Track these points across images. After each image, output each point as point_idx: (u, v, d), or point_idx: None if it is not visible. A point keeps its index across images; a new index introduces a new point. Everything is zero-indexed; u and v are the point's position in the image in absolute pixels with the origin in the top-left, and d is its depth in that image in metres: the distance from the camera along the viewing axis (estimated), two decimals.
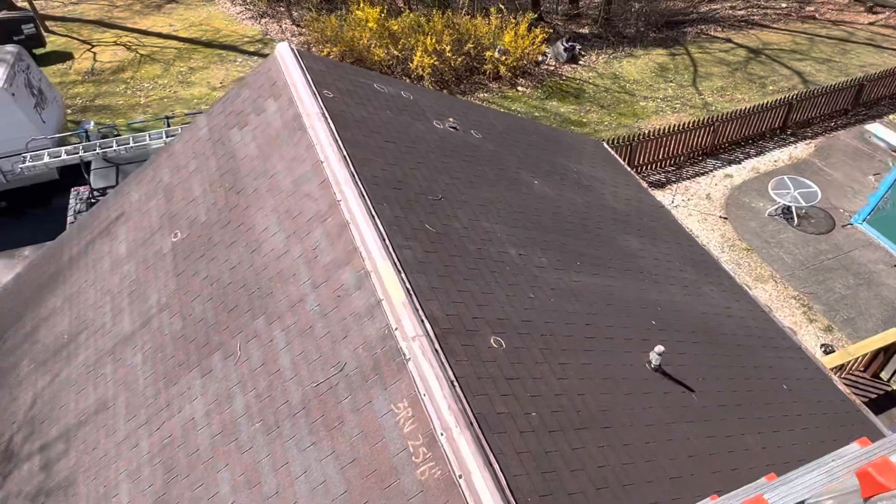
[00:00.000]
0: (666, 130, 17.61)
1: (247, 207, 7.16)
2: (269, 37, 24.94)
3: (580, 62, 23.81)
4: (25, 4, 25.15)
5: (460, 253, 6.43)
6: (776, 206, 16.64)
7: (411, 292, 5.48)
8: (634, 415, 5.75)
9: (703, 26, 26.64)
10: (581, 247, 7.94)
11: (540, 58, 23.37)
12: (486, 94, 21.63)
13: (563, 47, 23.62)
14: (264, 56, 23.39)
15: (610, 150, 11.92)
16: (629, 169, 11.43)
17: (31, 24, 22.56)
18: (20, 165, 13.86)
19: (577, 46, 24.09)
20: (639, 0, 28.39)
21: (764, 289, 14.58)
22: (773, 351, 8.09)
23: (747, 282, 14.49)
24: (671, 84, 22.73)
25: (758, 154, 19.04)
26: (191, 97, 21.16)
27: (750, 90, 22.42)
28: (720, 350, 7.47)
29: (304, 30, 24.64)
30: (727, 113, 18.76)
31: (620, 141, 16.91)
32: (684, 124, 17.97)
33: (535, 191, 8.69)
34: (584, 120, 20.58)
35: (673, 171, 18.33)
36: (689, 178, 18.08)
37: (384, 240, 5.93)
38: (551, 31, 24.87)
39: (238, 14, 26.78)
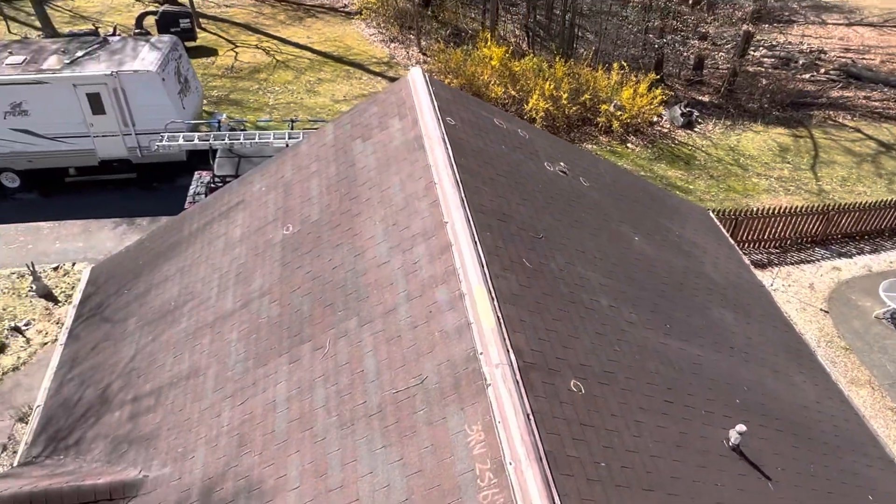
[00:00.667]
0: (776, 211, 17.02)
1: (357, 214, 7.56)
2: (395, 60, 26.11)
3: (696, 129, 23.46)
4: (186, 1, 27.59)
5: (553, 293, 6.52)
6: (885, 310, 15.65)
7: (501, 321, 5.61)
8: (705, 489, 5.59)
9: (831, 112, 25.65)
10: (673, 310, 7.83)
11: (655, 118, 23.22)
12: (594, 146, 21.67)
13: (680, 112, 23.39)
14: (388, 77, 24.50)
15: (716, 220, 11.69)
16: (733, 242, 11.16)
17: (188, 20, 24.71)
18: (157, 143, 15.13)
19: (695, 113, 23.78)
20: (766, 76, 27.74)
21: (859, 393, 13.68)
22: (862, 458, 7.62)
23: (841, 382, 13.65)
24: (788, 165, 21.97)
25: (873, 252, 18.02)
26: (314, 105, 22.41)
27: (874, 184, 21.32)
28: (805, 444, 7.12)
29: (429, 59, 25.64)
30: (845, 204, 17.91)
31: (726, 213, 16.49)
32: (796, 208, 17.30)
33: (634, 246, 8.66)
34: (691, 187, 20.20)
35: (777, 253, 17.62)
36: (793, 264, 17.33)
37: (483, 266, 6.12)
38: (671, 94, 24.69)
39: (370, 36, 28.23)
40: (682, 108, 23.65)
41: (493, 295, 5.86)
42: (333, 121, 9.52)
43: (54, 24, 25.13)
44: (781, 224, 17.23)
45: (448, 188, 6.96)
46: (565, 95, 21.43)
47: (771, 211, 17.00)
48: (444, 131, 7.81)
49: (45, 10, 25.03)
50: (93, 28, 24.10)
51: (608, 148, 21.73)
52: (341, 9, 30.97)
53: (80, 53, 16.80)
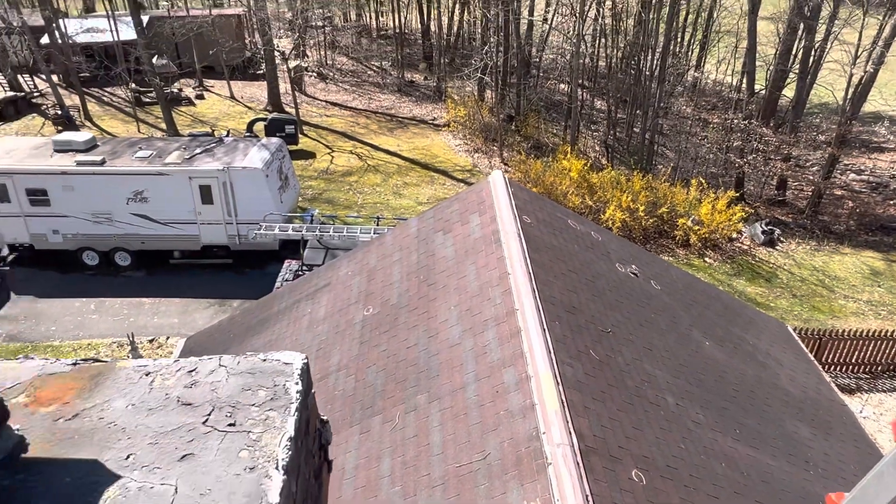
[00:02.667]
0: (866, 334, 16.29)
1: (434, 299, 8.05)
2: (477, 168, 27.53)
3: (778, 247, 23.11)
4: (292, 110, 30.51)
5: (618, 385, 6.66)
6: None
7: (565, 404, 5.81)
8: None
9: None
10: (743, 417, 7.70)
11: (734, 235, 23.12)
12: (670, 258, 21.69)
13: (761, 229, 23.21)
14: (469, 184, 25.79)
15: (794, 335, 11.44)
16: (812, 357, 10.85)
17: (293, 126, 27.25)
18: (255, 232, 16.47)
19: (777, 231, 23.52)
20: (853, 199, 27.25)
21: None
22: None
23: None
24: (880, 289, 21.11)
25: None
26: (399, 206, 23.76)
27: None
28: None
29: (510, 168, 26.90)
30: None
31: (809, 332, 15.94)
32: (890, 332, 16.51)
33: (704, 351, 8.67)
34: (772, 304, 19.69)
35: (867, 378, 16.68)
36: (886, 391, 16.31)
37: (550, 353, 6.39)
38: (751, 211, 24.63)
39: (456, 146, 30.02)
40: (763, 225, 23.48)
41: (559, 380, 6.09)
42: (417, 216, 10.28)
43: (177, 126, 28.30)
44: (871, 348, 16.42)
45: (520, 279, 7.39)
46: (642, 208, 21.82)
47: (861, 334, 16.30)
48: (520, 228, 8.35)
49: (171, 114, 28.31)
50: (209, 131, 26.96)
51: (685, 261, 21.68)
52: (431, 121, 33.26)
53: (197, 151, 18.86)
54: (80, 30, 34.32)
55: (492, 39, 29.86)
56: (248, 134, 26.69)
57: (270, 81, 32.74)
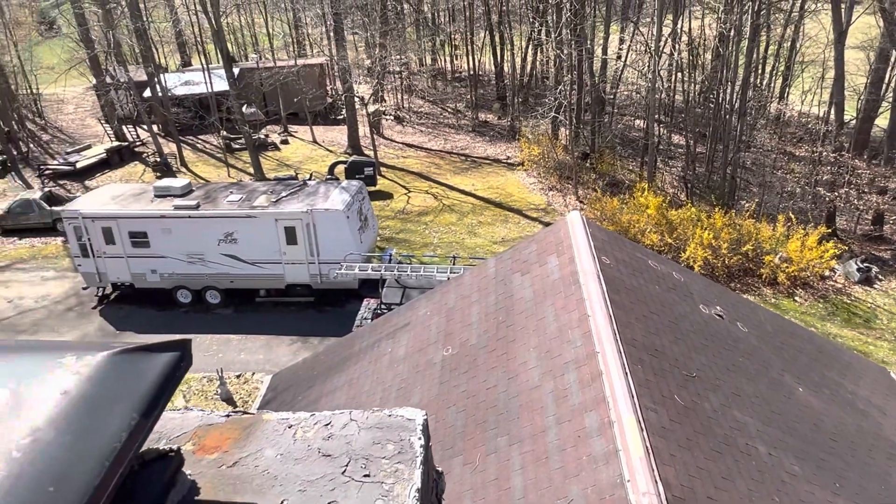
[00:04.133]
0: None
1: (513, 340, 8.10)
2: (552, 207, 27.49)
3: (876, 286, 21.75)
4: (371, 153, 31.59)
5: (705, 432, 6.46)
6: None
7: (650, 451, 5.69)
8: None
9: None
10: (844, 469, 7.26)
11: (827, 273, 21.95)
12: (756, 297, 20.80)
13: (856, 266, 21.94)
14: (544, 222, 25.77)
15: None
16: None
17: (371, 168, 28.20)
18: (336, 272, 17.04)
19: (874, 269, 22.16)
20: None
21: None
22: None
23: None
24: None
25: None
26: (474, 245, 24.00)
27: None
28: None
29: (585, 206, 26.72)
30: None
31: None
32: None
33: (797, 397, 8.27)
34: (871, 348, 18.47)
35: None
36: None
37: (633, 397, 6.29)
38: (845, 248, 23.36)
39: (530, 184, 30.14)
40: (859, 262, 22.19)
41: (643, 426, 5.98)
42: (495, 256, 10.41)
43: (263, 170, 29.83)
44: None
45: (601, 321, 7.34)
46: (725, 245, 21.13)
47: None
48: (599, 269, 8.32)
49: (258, 159, 29.90)
50: (293, 174, 28.27)
51: (773, 300, 20.73)
52: (505, 160, 33.60)
53: (284, 194, 19.81)
54: (178, 83, 37.02)
55: (565, 78, 30.08)
56: (329, 176, 27.80)
57: (350, 125, 34.09)
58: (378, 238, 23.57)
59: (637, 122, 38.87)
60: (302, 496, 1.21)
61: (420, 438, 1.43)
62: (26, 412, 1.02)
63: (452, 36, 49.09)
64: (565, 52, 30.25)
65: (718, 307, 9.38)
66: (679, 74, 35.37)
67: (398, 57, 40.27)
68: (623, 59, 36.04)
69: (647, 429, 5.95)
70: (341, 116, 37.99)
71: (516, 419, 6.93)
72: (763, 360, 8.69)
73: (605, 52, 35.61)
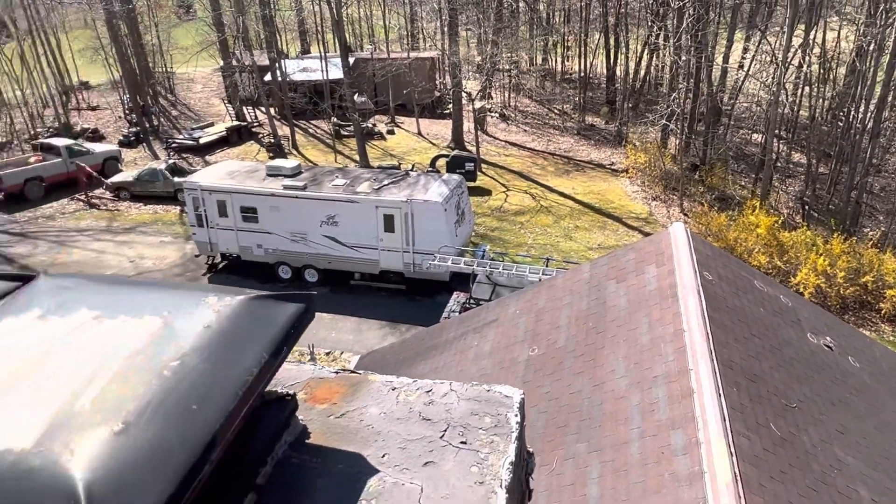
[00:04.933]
0: None
1: (602, 347, 7.95)
2: (653, 217, 26.62)
3: None
4: (473, 148, 31.80)
5: (801, 467, 6.09)
6: None
7: (738, 478, 5.44)
8: None
9: None
10: None
11: None
12: (873, 333, 19.25)
13: None
14: (643, 232, 25.00)
15: None
16: None
17: (472, 164, 28.39)
18: (429, 263, 17.32)
19: None
20: None
21: None
22: None
23: None
24: None
25: None
26: (568, 249, 23.65)
27: None
28: None
29: (689, 219, 25.68)
30: None
31: None
32: None
33: None
34: None
35: None
36: None
37: (725, 420, 6.02)
38: None
39: (633, 192, 29.32)
40: None
41: (733, 450, 5.72)
42: (590, 261, 10.24)
43: (368, 157, 30.73)
44: None
45: (697, 337, 7.07)
46: (842, 274, 19.69)
47: None
48: (700, 284, 8.00)
49: (364, 147, 30.83)
50: (396, 164, 28.94)
51: (891, 338, 19.13)
52: (608, 165, 32.86)
53: (385, 182, 20.33)
54: (297, 69, 38.77)
55: (681, 85, 28.98)
56: (430, 169, 28.25)
57: (456, 120, 34.45)
58: (473, 234, 23.72)
59: (754, 136, 36.86)
60: (402, 453, 1.28)
61: (517, 415, 1.46)
62: (175, 339, 1.14)
63: (566, 37, 48.45)
64: (683, 58, 29.12)
65: (828, 337, 8.78)
66: (807, 88, 33.21)
67: (509, 55, 40.24)
68: (745, 68, 34.26)
69: (738, 454, 5.69)
70: (447, 111, 38.45)
71: (598, 427, 6.81)
72: (875, 398, 8.07)
73: (725, 60, 33.97)
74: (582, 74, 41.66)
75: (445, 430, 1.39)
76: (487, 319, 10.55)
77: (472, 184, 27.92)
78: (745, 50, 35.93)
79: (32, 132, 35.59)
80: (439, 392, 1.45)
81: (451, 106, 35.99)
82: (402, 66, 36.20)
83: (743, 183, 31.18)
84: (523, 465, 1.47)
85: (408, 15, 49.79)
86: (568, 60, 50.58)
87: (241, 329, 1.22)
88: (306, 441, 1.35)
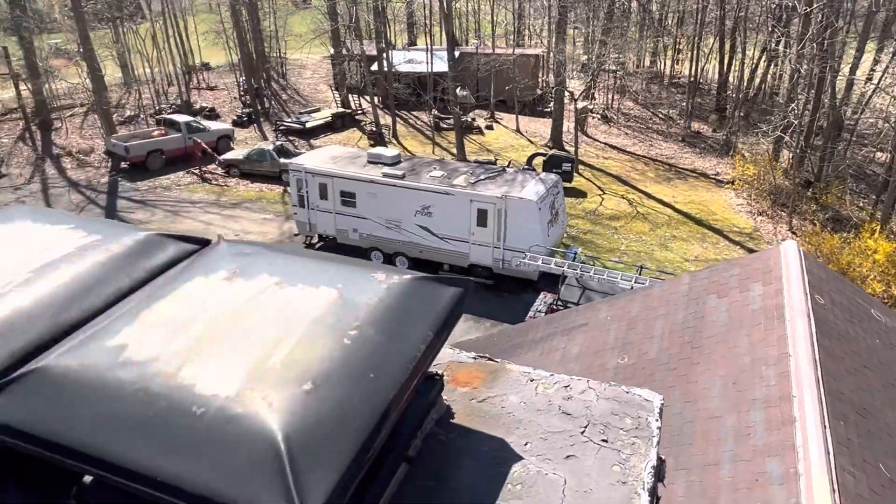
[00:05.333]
0: None
1: (697, 363, 7.68)
2: (758, 233, 25.30)
3: None
4: (571, 149, 31.33)
5: None
6: None
7: None
8: None
9: None
10: None
11: None
12: None
13: None
14: (746, 248, 23.83)
15: None
16: None
17: (570, 164, 28.00)
18: (519, 260, 17.28)
19: None
20: None
21: None
22: None
23: None
24: None
25: None
26: (663, 259, 22.91)
27: None
28: None
29: (798, 238, 24.23)
30: None
31: None
32: None
33: None
34: None
35: None
36: None
37: (828, 453, 5.69)
38: None
39: (737, 206, 27.97)
40: None
41: (835, 487, 5.40)
42: (689, 273, 9.90)
43: (466, 151, 30.93)
44: None
45: (803, 364, 6.70)
46: None
47: None
48: (810, 307, 7.56)
49: (462, 140, 31.06)
50: (493, 159, 28.97)
51: None
52: (713, 176, 31.50)
53: (482, 177, 20.42)
54: (402, 60, 39.51)
55: (800, 96, 27.31)
56: (526, 167, 28.09)
57: (556, 119, 34.05)
58: (565, 235, 23.43)
59: (879, 154, 34.23)
60: (543, 443, 1.32)
61: (657, 420, 1.47)
62: (351, 309, 1.23)
63: (678, 39, 46.72)
64: (805, 67, 27.42)
65: None
66: None
67: (616, 55, 39.28)
68: (875, 81, 31.83)
69: (841, 492, 5.36)
70: (548, 109, 38.06)
71: (688, 445, 6.60)
72: None
73: (853, 71, 31.68)
74: (692, 79, 40.06)
75: (586, 427, 1.41)
76: (577, 323, 10.42)
77: (568, 184, 27.56)
78: (877, 62, 33.37)
79: (157, 108, 38.23)
80: (577, 388, 1.48)
81: (552, 104, 35.59)
82: (506, 62, 36.12)
83: (861, 204, 29.06)
84: (656, 470, 1.47)
85: (516, 11, 49.57)
86: (678, 64, 48.77)
87: (409, 306, 1.30)
88: (451, 420, 1.41)
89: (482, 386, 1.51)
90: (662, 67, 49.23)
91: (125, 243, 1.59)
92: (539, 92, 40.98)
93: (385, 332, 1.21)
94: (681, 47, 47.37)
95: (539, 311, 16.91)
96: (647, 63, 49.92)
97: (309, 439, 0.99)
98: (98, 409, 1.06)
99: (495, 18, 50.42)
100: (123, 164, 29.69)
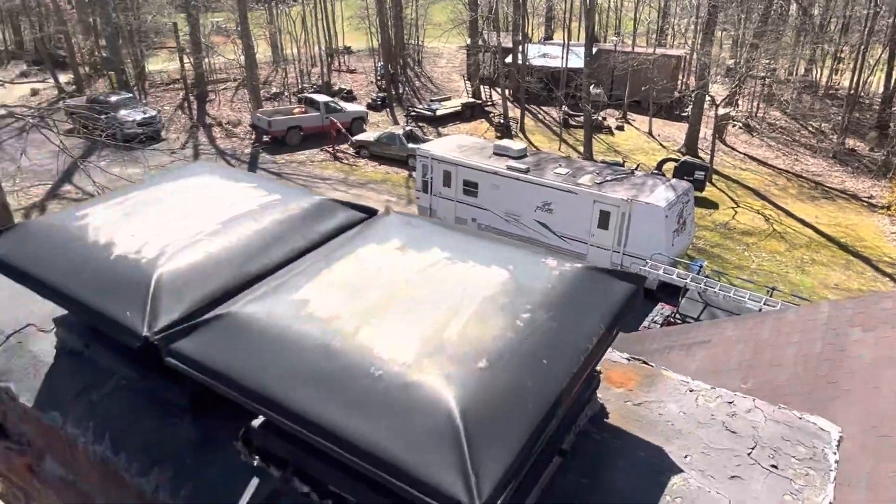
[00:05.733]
0: None
1: (832, 399, 7.07)
2: None
3: None
4: (706, 156, 29.73)
5: None
6: None
7: None
8: None
9: None
10: None
11: None
12: None
13: None
14: None
15: None
16: None
17: (703, 173, 26.59)
18: (639, 268, 16.68)
19: None
20: None
21: None
22: None
23: None
24: None
25: None
26: (799, 283, 21.25)
27: None
28: None
29: None
30: None
31: None
32: None
33: None
34: None
35: None
36: None
37: None
38: None
39: (892, 233, 25.39)
40: None
41: None
42: (830, 301, 9.11)
43: (593, 151, 30.23)
44: None
45: None
46: None
47: None
48: None
49: (591, 139, 30.38)
50: (621, 161, 28.11)
51: None
52: (866, 198, 28.77)
53: (608, 178, 19.87)
54: (537, 54, 39.16)
55: None
56: (656, 171, 27.00)
57: (692, 124, 32.44)
58: (690, 246, 22.34)
59: None
60: (705, 459, 1.26)
61: (835, 453, 1.36)
62: (524, 292, 1.23)
63: (840, 47, 42.90)
64: None
65: None
66: None
67: (767, 61, 36.70)
68: None
69: None
70: (685, 113, 36.30)
71: None
72: None
73: None
74: (852, 91, 36.67)
75: (753, 448, 1.32)
76: (697, 339, 9.92)
77: (699, 194, 26.20)
78: None
79: (300, 87, 40.41)
80: (742, 406, 1.39)
81: (690, 108, 33.91)
82: (645, 61, 34.82)
83: None
84: None
85: (661, 9, 47.60)
86: (837, 74, 44.81)
87: (581, 296, 1.27)
88: (605, 420, 1.38)
89: (638, 389, 1.46)
90: (818, 77, 45.44)
91: (301, 205, 1.69)
92: (677, 94, 39.16)
93: (557, 319, 1.19)
94: (842, 56, 43.45)
95: (655, 322, 16.27)
96: (801, 71, 46.25)
97: (484, 417, 0.99)
98: (281, 358, 1.13)
99: (638, 16, 48.68)
100: (265, 138, 31.66)
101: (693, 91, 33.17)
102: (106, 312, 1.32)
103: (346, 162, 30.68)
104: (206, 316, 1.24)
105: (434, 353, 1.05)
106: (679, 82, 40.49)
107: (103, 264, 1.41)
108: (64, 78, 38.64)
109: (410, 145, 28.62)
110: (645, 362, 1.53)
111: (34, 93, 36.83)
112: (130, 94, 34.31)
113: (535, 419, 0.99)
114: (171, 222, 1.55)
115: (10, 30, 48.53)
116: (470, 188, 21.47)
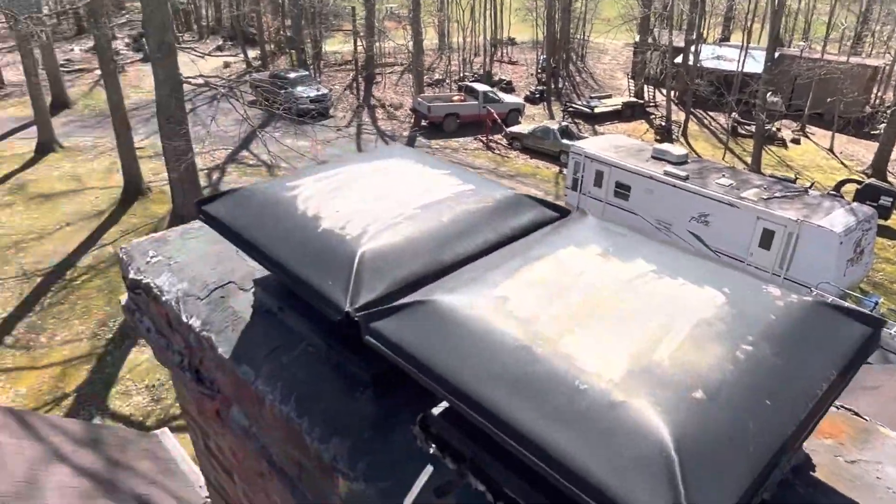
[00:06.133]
0: None
1: None
2: None
3: None
4: (894, 181, 26.47)
5: None
6: None
7: None
8: None
9: None
10: None
11: None
12: None
13: None
14: None
15: None
16: None
17: (891, 198, 23.72)
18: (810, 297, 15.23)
19: None
20: None
21: None
22: None
23: None
24: None
25: None
26: None
27: None
28: None
29: None
30: None
31: None
32: None
33: None
34: None
35: None
36: None
37: None
38: None
39: None
40: None
41: None
42: None
43: (762, 163, 27.98)
44: None
45: None
46: None
47: None
48: None
49: (760, 151, 28.12)
50: (793, 177, 25.78)
51: None
52: None
53: (777, 194, 18.30)
54: (710, 56, 36.84)
55: None
56: (832, 192, 24.47)
57: (885, 144, 29.00)
58: (865, 279, 20.07)
59: None
60: None
61: None
62: (743, 320, 1.14)
63: None
64: None
65: None
66: None
67: None
68: None
69: None
70: (876, 131, 32.51)
71: None
72: None
73: None
74: None
75: None
76: (865, 383, 8.90)
77: (883, 222, 23.45)
78: None
79: (461, 75, 41.14)
80: None
81: (883, 126, 30.30)
82: (835, 70, 31.57)
83: None
84: None
85: (861, 13, 42.85)
86: None
87: (810, 334, 1.15)
88: (811, 473, 1.25)
89: (850, 444, 1.30)
90: None
91: (494, 197, 1.68)
92: (870, 109, 35.14)
93: (782, 357, 1.08)
94: None
95: None
96: None
97: (702, 453, 0.91)
98: (482, 353, 1.13)
99: (832, 20, 44.19)
100: (423, 122, 32.60)
101: (890, 107, 29.59)
102: (311, 283, 1.40)
103: (498, 152, 30.84)
104: (407, 299, 1.26)
105: (643, 374, 0.98)
106: (873, 96, 36.33)
107: (311, 235, 1.49)
108: (252, 53, 42.27)
109: (564, 141, 28.18)
110: (856, 413, 1.36)
111: (226, 65, 40.67)
112: (307, 73, 36.80)
113: (758, 466, 0.89)
114: (372, 202, 1.61)
115: (212, 7, 53.88)
116: (622, 190, 20.76)
